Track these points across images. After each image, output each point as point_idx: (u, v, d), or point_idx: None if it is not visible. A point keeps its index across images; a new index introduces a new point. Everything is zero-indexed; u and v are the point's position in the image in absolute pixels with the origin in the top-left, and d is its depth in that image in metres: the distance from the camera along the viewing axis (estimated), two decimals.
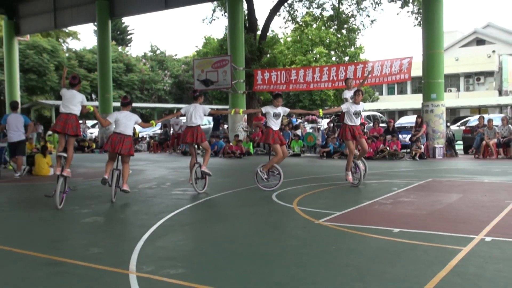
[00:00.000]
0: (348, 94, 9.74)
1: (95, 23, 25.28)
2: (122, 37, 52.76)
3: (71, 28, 40.37)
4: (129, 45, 53.72)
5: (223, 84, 20.09)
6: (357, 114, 8.76)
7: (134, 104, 37.60)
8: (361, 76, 17.09)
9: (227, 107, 24.16)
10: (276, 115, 8.65)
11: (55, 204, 7.08)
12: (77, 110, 7.50)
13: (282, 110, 8.75)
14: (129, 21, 55.10)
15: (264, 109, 8.81)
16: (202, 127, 8.64)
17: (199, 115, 8.50)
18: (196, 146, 8.84)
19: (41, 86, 35.61)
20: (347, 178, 8.93)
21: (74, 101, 7.48)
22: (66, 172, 7.26)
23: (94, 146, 23.10)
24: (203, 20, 43.31)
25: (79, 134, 7.77)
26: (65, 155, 7.34)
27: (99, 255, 4.57)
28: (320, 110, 8.93)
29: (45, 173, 12.04)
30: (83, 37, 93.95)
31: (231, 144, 17.91)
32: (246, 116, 20.50)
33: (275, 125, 8.64)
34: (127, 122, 7.72)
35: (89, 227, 5.97)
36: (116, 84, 36.90)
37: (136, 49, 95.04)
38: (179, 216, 6.49)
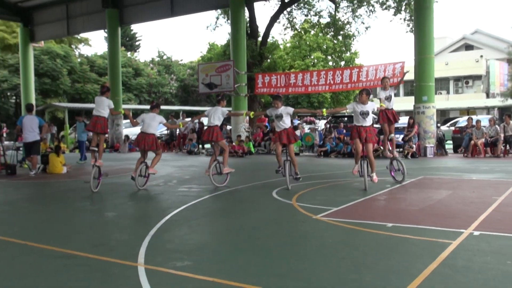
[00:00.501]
0: (383, 94, 8.90)
1: (106, 30, 25.25)
2: (131, 43, 52.74)
3: (83, 35, 40.40)
4: (137, 50, 53.70)
5: (226, 88, 20.09)
6: (364, 114, 7.87)
7: (142, 106, 37.75)
8: (356, 80, 17.09)
9: (229, 109, 24.14)
10: (278, 117, 8.40)
11: (91, 188, 8.23)
12: (105, 113, 8.75)
13: (285, 110, 8.38)
14: (138, 28, 55.11)
15: (268, 112, 8.71)
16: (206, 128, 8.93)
17: (217, 117, 8.87)
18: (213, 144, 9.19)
19: (55, 90, 35.65)
20: (353, 171, 8.32)
21: (102, 106, 8.73)
22: (99, 163, 8.55)
23: (104, 146, 23.08)
24: (207, 27, 43.19)
25: (107, 132, 8.97)
26: (96, 149, 8.61)
27: (110, 248, 4.58)
28: (324, 110, 8.36)
29: (59, 171, 12.05)
30: (94, 43, 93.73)
31: (233, 144, 17.91)
32: (247, 117, 20.50)
33: (276, 126, 8.54)
34: (150, 122, 8.57)
35: (100, 222, 5.98)
36: (125, 88, 36.88)
37: (144, 54, 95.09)
38: (185, 211, 6.49)
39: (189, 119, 15.20)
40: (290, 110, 8.50)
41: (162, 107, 38.29)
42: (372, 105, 8.03)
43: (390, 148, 8.94)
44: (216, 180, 8.74)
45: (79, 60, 39.79)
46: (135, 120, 8.98)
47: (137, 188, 8.51)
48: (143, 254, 4.30)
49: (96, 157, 8.57)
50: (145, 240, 4.80)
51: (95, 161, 8.51)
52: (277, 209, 6.63)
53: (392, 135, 9.04)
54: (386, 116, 8.76)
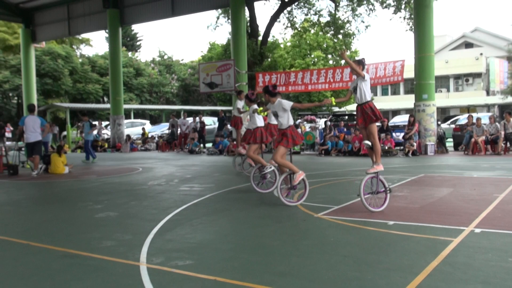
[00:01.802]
0: (351, 84, 6.49)
1: (107, 30, 25.28)
2: (132, 43, 52.76)
3: (84, 35, 40.48)
4: (138, 50, 53.72)
5: (227, 87, 20.10)
6: (276, 115, 6.89)
7: (143, 106, 37.74)
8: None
9: (230, 108, 24.17)
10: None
11: (234, 168, 11.24)
12: (235, 112, 10.95)
13: (252, 108, 8.96)
14: (138, 28, 55.12)
15: None
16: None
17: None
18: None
19: (56, 90, 35.69)
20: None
21: (234, 106, 10.81)
22: (239, 151, 10.57)
23: (106, 145, 23.10)
24: (207, 26, 43.31)
25: (239, 128, 11.20)
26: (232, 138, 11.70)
27: (112, 248, 4.58)
28: (260, 109, 7.69)
29: (60, 171, 12.06)
30: (95, 43, 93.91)
31: (234, 143, 17.90)
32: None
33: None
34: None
35: (102, 221, 5.97)
36: (126, 88, 36.91)
37: (145, 54, 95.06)
38: (186, 210, 6.49)
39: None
40: (255, 107, 8.77)
41: (163, 106, 38.59)
42: (280, 103, 6.74)
43: (375, 160, 6.08)
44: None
45: (80, 60, 39.84)
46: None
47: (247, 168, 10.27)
48: (145, 253, 4.30)
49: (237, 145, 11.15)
50: (147, 240, 4.80)
51: (239, 149, 10.79)
52: (278, 207, 6.62)
53: (367, 142, 6.16)
54: (357, 114, 6.23)
